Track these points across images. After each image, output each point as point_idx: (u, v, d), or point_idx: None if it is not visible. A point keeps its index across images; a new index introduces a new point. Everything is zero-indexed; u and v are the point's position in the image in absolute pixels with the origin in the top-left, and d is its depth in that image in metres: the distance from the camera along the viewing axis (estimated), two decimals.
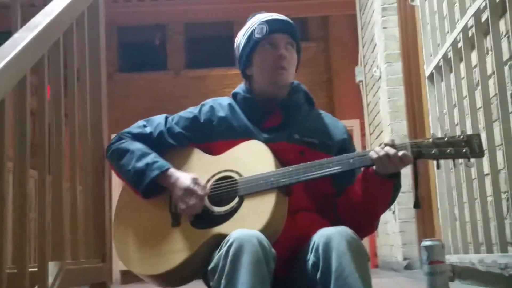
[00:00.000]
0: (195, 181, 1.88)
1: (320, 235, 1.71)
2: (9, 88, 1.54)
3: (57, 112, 1.93)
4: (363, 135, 5.72)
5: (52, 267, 1.77)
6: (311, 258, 1.72)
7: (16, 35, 1.68)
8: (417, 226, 4.45)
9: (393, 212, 4.57)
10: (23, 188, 1.61)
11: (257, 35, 1.99)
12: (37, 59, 1.73)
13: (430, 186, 4.14)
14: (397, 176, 1.83)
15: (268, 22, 2.00)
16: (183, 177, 1.90)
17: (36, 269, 1.69)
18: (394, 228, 4.66)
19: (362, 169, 1.86)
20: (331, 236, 1.68)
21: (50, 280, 1.72)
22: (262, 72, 2.00)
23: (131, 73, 11.74)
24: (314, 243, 1.72)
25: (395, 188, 1.86)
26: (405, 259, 4.48)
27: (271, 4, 8.53)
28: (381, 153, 1.76)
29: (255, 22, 2.03)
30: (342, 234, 1.68)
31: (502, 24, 2.35)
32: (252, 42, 2.00)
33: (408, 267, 4.46)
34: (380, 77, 4.85)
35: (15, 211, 1.58)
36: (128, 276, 4.47)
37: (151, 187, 1.94)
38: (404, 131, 4.52)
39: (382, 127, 4.90)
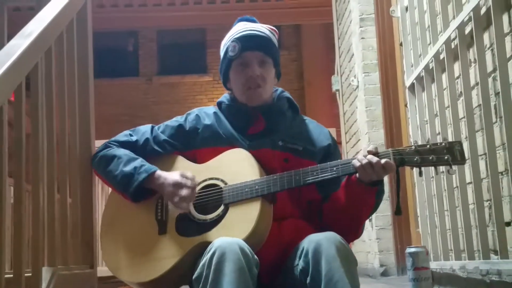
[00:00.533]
0: (183, 174, 1.90)
1: (309, 241, 1.74)
2: (8, 95, 1.54)
3: (48, 121, 1.93)
4: (339, 143, 5.77)
5: (45, 273, 1.81)
6: (300, 263, 1.74)
7: (12, 42, 1.68)
8: (393, 234, 4.50)
9: (370, 220, 4.63)
10: (19, 200, 1.62)
11: (230, 53, 2.00)
12: (31, 66, 1.74)
13: (406, 194, 4.21)
14: (380, 182, 1.86)
15: (240, 39, 1.99)
16: (170, 175, 1.93)
17: (30, 274, 1.71)
18: (371, 235, 4.71)
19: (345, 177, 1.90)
20: (320, 242, 1.71)
21: (44, 285, 1.76)
22: (237, 90, 2.03)
23: (102, 79, 11.65)
24: (303, 248, 1.74)
25: (378, 194, 1.90)
26: (381, 265, 4.53)
27: (244, 12, 8.53)
28: (364, 161, 1.79)
29: (231, 36, 2.03)
30: (331, 240, 1.71)
31: (486, 37, 2.41)
32: (226, 60, 2.02)
33: (384, 273, 4.52)
34: (357, 87, 4.91)
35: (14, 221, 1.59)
36: (103, 282, 4.43)
37: (140, 191, 1.95)
38: (381, 140, 4.58)
39: (359, 135, 4.96)
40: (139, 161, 1.97)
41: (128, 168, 1.96)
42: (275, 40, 2.07)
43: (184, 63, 12.50)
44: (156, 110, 11.95)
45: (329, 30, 10.28)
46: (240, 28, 2.04)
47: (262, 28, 2.04)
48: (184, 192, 1.88)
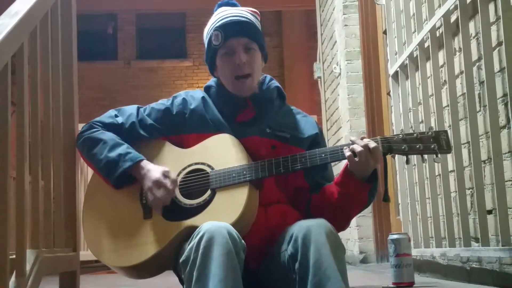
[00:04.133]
0: (165, 173, 1.88)
1: (299, 227, 1.74)
2: None
3: (33, 103, 1.90)
4: None
5: (30, 255, 1.79)
6: (289, 249, 1.74)
7: None
8: (373, 221, 4.54)
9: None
10: (4, 184, 1.60)
11: (214, 43, 1.96)
12: (18, 46, 1.70)
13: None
14: (374, 180, 1.87)
15: (223, 27, 1.94)
16: (154, 170, 1.90)
17: (14, 256, 1.69)
18: (351, 222, 4.73)
19: (340, 172, 1.90)
20: (310, 228, 1.71)
21: (28, 267, 1.73)
22: (225, 79, 2.00)
23: (81, 62, 11.49)
24: (292, 234, 1.74)
25: (371, 192, 1.89)
26: (361, 252, 4.57)
27: None
28: (354, 147, 1.80)
29: (213, 25, 1.99)
30: (321, 226, 1.71)
31: (471, 26, 2.43)
32: (211, 50, 1.98)
33: (363, 260, 4.56)
34: (340, 74, 4.92)
35: None
36: (86, 266, 4.42)
37: (123, 178, 1.93)
38: (363, 128, 4.60)
39: (341, 123, 4.98)
40: (125, 148, 1.95)
41: (113, 154, 1.93)
42: (258, 24, 2.02)
43: (163, 48, 12.42)
44: (135, 94, 11.87)
45: (310, 17, 10.30)
46: (222, 15, 1.99)
47: (244, 12, 2.00)
48: (160, 193, 1.86)
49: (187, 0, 9.22)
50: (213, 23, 1.98)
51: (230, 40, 1.94)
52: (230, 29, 1.94)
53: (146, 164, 1.92)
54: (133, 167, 1.91)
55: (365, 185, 1.86)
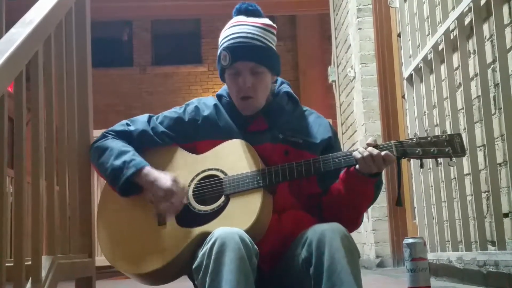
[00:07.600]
0: (175, 181, 1.88)
1: (314, 231, 1.74)
2: (8, 83, 1.53)
3: (48, 110, 1.92)
4: None
5: (45, 261, 1.80)
6: (303, 252, 1.74)
7: (12, 30, 1.66)
8: (389, 225, 4.52)
9: (366, 211, 4.63)
10: (20, 190, 1.63)
11: (222, 62, 1.95)
12: (32, 54, 1.72)
13: (403, 186, 4.22)
14: (379, 174, 1.86)
15: (231, 49, 1.92)
16: (162, 178, 1.89)
17: (30, 262, 1.70)
18: (367, 226, 4.72)
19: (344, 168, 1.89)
20: (324, 232, 1.71)
21: (44, 273, 1.74)
22: (231, 95, 2.00)
23: (96, 68, 11.57)
24: (307, 238, 1.74)
25: (377, 186, 1.89)
26: (377, 257, 4.55)
27: (238, 2, 8.48)
28: (365, 153, 1.79)
29: (224, 40, 1.96)
30: (335, 231, 1.71)
31: (485, 28, 2.41)
32: (220, 66, 1.98)
33: (380, 265, 4.54)
34: (354, 78, 4.91)
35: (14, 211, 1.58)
36: (101, 271, 4.45)
37: (128, 185, 1.93)
38: (378, 131, 4.59)
39: (356, 127, 4.96)
40: (130, 155, 1.94)
41: (118, 162, 1.93)
42: (271, 40, 1.97)
43: (178, 53, 12.47)
44: (150, 100, 11.93)
45: (324, 21, 10.30)
46: (233, 32, 1.95)
47: (256, 31, 1.94)
48: (175, 200, 1.86)
49: (202, 6, 9.25)
50: (225, 38, 1.96)
51: (237, 63, 1.92)
52: (237, 52, 1.91)
53: (150, 170, 1.91)
54: (137, 174, 1.90)
55: (370, 180, 1.85)
